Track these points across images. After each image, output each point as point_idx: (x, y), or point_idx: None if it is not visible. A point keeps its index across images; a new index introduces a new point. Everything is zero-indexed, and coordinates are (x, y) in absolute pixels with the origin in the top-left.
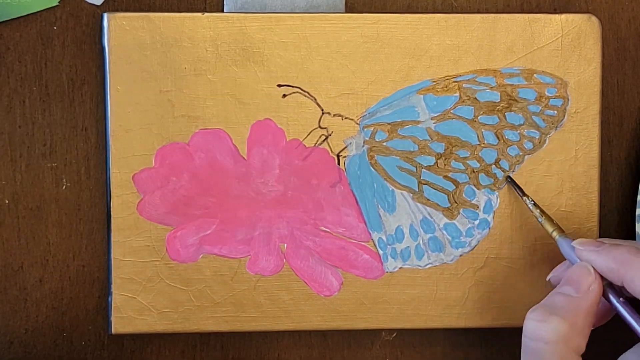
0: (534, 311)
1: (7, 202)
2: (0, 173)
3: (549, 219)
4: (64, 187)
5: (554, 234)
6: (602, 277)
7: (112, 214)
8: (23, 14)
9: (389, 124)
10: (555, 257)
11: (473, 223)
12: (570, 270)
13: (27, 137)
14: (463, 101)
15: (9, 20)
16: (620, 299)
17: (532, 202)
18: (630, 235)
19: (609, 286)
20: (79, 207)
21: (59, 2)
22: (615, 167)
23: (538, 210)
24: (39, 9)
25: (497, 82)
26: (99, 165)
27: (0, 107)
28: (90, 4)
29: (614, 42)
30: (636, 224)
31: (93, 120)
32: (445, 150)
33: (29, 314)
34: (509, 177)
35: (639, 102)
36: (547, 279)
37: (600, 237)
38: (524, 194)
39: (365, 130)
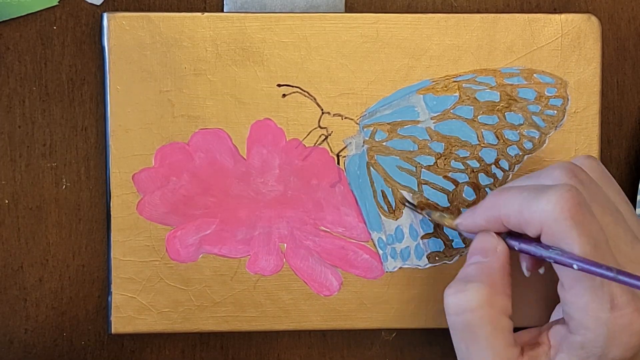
0: (450, 287)
1: (7, 202)
2: (0, 173)
3: (448, 213)
4: (63, 187)
5: (456, 222)
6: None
7: (112, 213)
8: (23, 14)
9: (388, 123)
10: None
11: None
12: (475, 241)
13: (27, 137)
14: (463, 101)
15: (8, 20)
16: (520, 241)
17: (427, 213)
18: None
19: (507, 235)
20: (79, 207)
21: (59, 2)
22: (615, 167)
23: (437, 214)
24: (39, 9)
25: (496, 82)
26: (98, 165)
27: (0, 107)
28: (90, 4)
29: (614, 42)
30: None
31: (93, 120)
32: (445, 150)
33: (29, 314)
34: (407, 200)
35: (639, 102)
36: (455, 225)
37: None
38: (421, 210)
39: (365, 130)
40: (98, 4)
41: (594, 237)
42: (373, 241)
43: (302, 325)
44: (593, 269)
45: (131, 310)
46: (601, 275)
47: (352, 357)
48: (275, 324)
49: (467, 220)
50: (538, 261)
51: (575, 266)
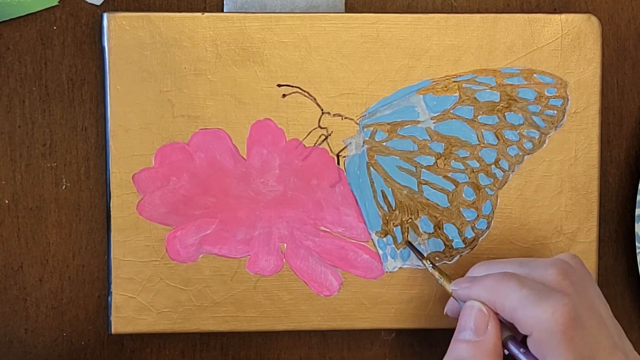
0: None
1: (7, 202)
2: (0, 173)
3: (447, 277)
4: (63, 187)
5: (451, 289)
6: (500, 322)
7: (112, 213)
8: (23, 14)
9: (388, 123)
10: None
11: (473, 223)
12: (463, 313)
13: (27, 137)
14: (463, 101)
15: (9, 20)
16: (521, 349)
17: (431, 265)
18: (630, 235)
19: (510, 339)
20: (79, 207)
21: (59, 2)
22: (615, 167)
23: (437, 272)
24: (39, 9)
25: (496, 82)
26: (98, 165)
27: (0, 107)
28: (90, 4)
29: (614, 42)
30: (636, 224)
31: (93, 120)
32: (444, 150)
33: (29, 314)
34: (409, 242)
35: (639, 102)
36: (445, 312)
37: (599, 236)
38: (424, 257)
39: (365, 130)
40: (98, 4)
41: (580, 354)
42: (373, 241)
43: (302, 326)
44: None
45: (131, 310)
46: None
47: (352, 357)
48: (275, 324)
49: (463, 292)
50: None
51: None
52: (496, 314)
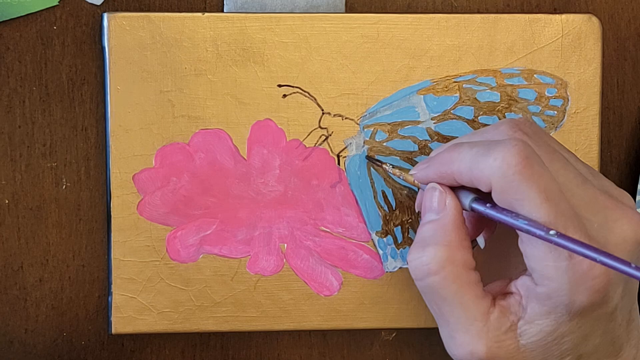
0: (410, 253)
1: (7, 202)
2: (0, 173)
3: (403, 170)
4: (63, 187)
5: (410, 173)
6: (460, 193)
7: (112, 214)
8: (23, 14)
9: (389, 124)
10: None
11: None
12: (424, 197)
13: (27, 137)
14: (463, 101)
15: (9, 20)
16: (487, 205)
17: (391, 166)
18: None
19: (474, 201)
20: (79, 207)
21: (59, 2)
22: (615, 167)
23: (397, 170)
24: (39, 9)
25: (497, 83)
26: (99, 165)
27: (0, 107)
28: (90, 3)
29: (614, 42)
30: None
31: (93, 120)
32: None
33: (29, 314)
34: (368, 157)
35: (639, 102)
36: (415, 209)
37: None
38: (382, 163)
39: (365, 130)
40: (98, 4)
41: (545, 189)
42: (373, 241)
43: (302, 325)
44: (562, 242)
45: (131, 311)
46: (570, 249)
47: (352, 357)
48: (276, 324)
49: (421, 173)
50: (492, 229)
51: (549, 234)
52: (461, 186)
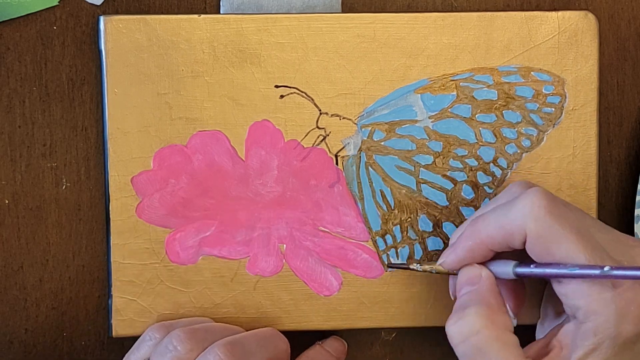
0: (450, 319)
1: (7, 202)
2: (0, 173)
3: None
4: (63, 187)
5: (439, 262)
6: (498, 265)
7: (111, 216)
8: (23, 14)
9: (386, 123)
10: None
11: None
12: (459, 276)
13: (27, 137)
14: (460, 100)
15: (9, 20)
16: (531, 265)
17: (418, 264)
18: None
19: (517, 266)
20: (79, 207)
21: (59, 2)
22: (615, 167)
23: (427, 267)
24: (39, 9)
25: (494, 81)
26: (98, 165)
27: (0, 107)
28: (90, 4)
29: (613, 41)
30: (635, 224)
31: (93, 120)
32: (443, 149)
33: (29, 314)
34: (390, 264)
35: (639, 102)
36: (451, 296)
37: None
38: (409, 265)
39: (363, 130)
40: (98, 4)
41: (576, 227)
42: (372, 241)
43: (302, 326)
44: (619, 273)
45: (132, 313)
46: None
47: (352, 357)
48: (276, 325)
49: (450, 257)
50: (522, 301)
51: (604, 271)
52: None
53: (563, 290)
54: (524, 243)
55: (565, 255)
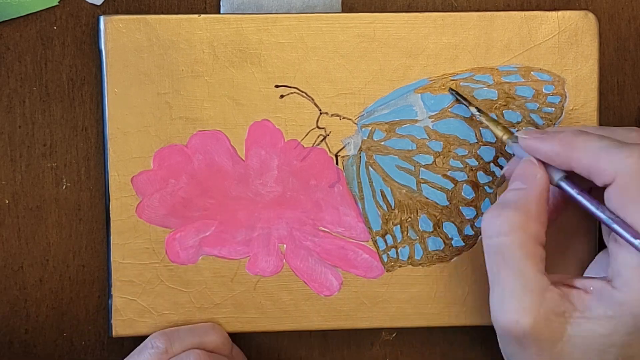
0: (488, 211)
1: (7, 202)
2: (0, 173)
3: (497, 124)
4: (64, 187)
5: (504, 137)
6: (552, 168)
7: (111, 216)
8: (23, 14)
9: (386, 123)
10: (553, 255)
11: (472, 221)
12: (518, 167)
13: (27, 137)
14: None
15: (9, 20)
16: (575, 189)
17: (477, 110)
18: None
19: (564, 179)
20: (79, 207)
21: (59, 2)
22: None
23: (484, 117)
24: (39, 9)
25: (494, 80)
26: (99, 165)
27: (0, 107)
28: (90, 4)
29: (613, 41)
30: None
31: (93, 120)
32: (443, 148)
33: (29, 314)
34: (451, 89)
35: (639, 102)
36: (502, 173)
37: (598, 234)
38: (470, 104)
39: (363, 129)
40: (98, 4)
41: None
42: (373, 241)
43: (302, 326)
44: None
45: (132, 313)
46: None
47: (352, 357)
48: (276, 325)
49: (532, 142)
50: (560, 209)
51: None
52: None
53: (616, 250)
54: (605, 184)
55: (635, 221)
